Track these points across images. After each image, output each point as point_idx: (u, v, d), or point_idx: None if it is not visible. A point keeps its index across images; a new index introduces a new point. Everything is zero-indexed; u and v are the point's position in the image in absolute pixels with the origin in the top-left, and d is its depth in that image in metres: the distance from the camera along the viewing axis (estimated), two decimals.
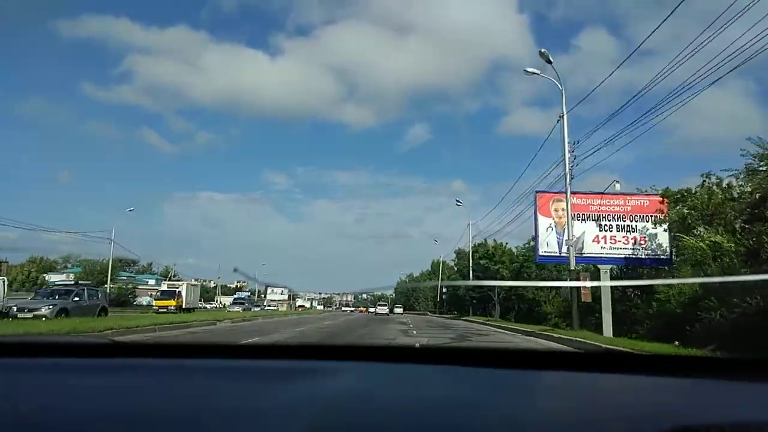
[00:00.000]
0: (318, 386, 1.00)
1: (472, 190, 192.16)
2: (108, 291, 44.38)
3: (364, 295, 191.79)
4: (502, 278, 36.89)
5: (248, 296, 60.79)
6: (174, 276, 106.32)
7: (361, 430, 0.80)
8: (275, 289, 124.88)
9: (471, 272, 41.49)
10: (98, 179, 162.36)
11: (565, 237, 19.34)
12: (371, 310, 69.34)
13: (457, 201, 45.28)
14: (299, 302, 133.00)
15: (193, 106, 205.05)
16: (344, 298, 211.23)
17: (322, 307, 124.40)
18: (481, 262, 39.31)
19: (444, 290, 59.32)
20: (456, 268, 57.12)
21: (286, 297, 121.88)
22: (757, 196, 15.12)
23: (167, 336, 14.63)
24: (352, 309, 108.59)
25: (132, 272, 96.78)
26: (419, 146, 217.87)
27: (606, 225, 20.37)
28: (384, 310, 61.93)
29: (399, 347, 1.42)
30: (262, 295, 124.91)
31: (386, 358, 1.28)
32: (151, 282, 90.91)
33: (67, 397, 0.96)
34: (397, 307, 78.20)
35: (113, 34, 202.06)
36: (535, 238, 21.66)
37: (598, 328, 18.91)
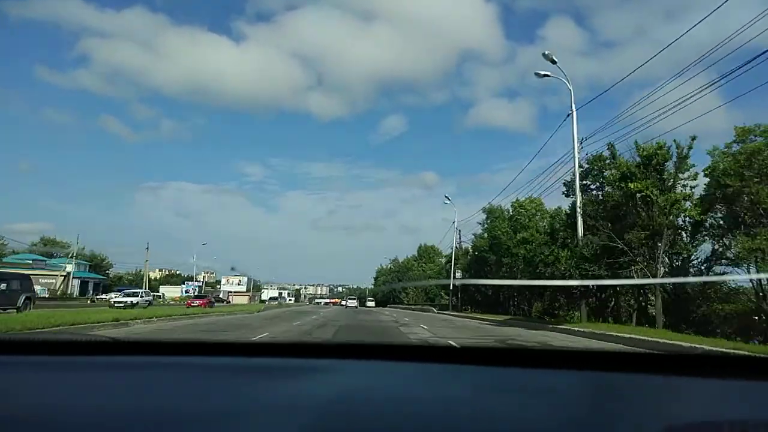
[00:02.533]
0: (320, 384, 1.01)
1: (445, 182, 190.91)
2: None
3: (340, 288, 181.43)
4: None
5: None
6: (104, 261, 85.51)
7: (363, 428, 0.80)
8: (231, 279, 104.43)
9: (580, 224, 18.12)
10: (58, 169, 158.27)
11: None
12: (343, 303, 73.65)
13: (553, 60, 20.64)
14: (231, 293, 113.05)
15: (156, 93, 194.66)
16: (319, 290, 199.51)
17: (271, 300, 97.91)
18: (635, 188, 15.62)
19: (459, 275, 39.57)
20: (487, 236, 35.93)
21: (244, 288, 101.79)
22: None
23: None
24: (327, 301, 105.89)
25: (45, 257, 75.85)
26: (391, 138, 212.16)
27: None
28: (353, 303, 67.41)
29: (401, 345, 1.38)
30: (218, 286, 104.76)
31: (388, 357, 1.26)
32: (69, 268, 69.79)
33: (68, 394, 0.97)
34: (369, 300, 79.33)
35: (65, 16, 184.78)
36: None
37: None
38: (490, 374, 1.09)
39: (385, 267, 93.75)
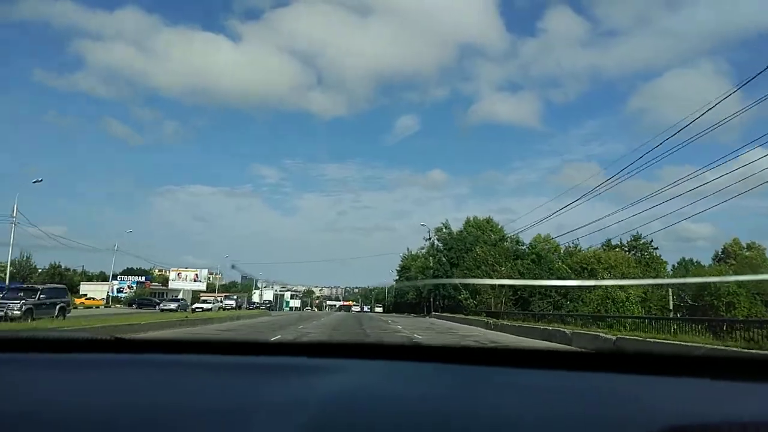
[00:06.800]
0: (320, 383, 1.01)
1: (455, 181, 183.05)
2: None
3: (356, 289, 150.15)
4: None
5: None
6: (26, 259, 52.81)
7: (362, 428, 0.82)
8: (183, 273, 69.69)
9: None
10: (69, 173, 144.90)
11: None
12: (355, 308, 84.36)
13: None
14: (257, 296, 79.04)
15: (157, 95, 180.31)
16: (334, 292, 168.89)
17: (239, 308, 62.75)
18: None
19: None
20: None
21: (203, 286, 67.10)
22: None
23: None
24: (342, 304, 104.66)
25: None
26: (403, 138, 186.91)
27: None
28: (356, 308, 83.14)
29: (400, 345, 1.38)
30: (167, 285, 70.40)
31: (387, 356, 1.27)
32: None
33: (70, 392, 0.97)
34: (377, 306, 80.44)
35: (55, 18, 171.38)
36: None
37: None
38: (490, 374, 1.09)
39: (414, 253, 58.92)
